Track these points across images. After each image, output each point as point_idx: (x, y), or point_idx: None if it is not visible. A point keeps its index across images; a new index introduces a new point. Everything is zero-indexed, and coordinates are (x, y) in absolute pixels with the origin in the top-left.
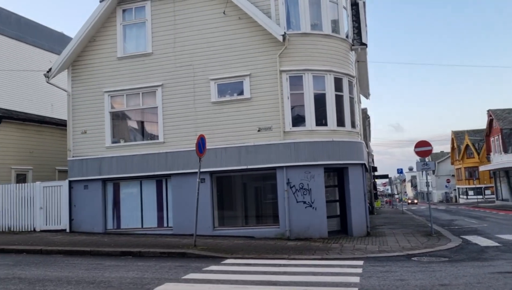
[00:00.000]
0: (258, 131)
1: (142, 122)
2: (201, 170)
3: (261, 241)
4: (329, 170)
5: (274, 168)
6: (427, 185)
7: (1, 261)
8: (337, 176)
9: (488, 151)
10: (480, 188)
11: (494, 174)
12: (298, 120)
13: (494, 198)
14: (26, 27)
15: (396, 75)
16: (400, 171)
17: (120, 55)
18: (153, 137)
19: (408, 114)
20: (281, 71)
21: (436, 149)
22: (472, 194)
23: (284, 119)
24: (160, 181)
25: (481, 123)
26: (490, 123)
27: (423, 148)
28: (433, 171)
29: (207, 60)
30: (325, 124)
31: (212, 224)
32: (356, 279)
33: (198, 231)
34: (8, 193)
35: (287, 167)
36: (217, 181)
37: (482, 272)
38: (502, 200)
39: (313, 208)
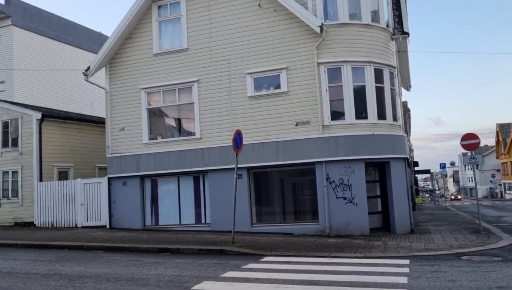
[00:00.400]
0: (296, 125)
1: (179, 118)
2: (238, 166)
3: (300, 238)
4: (370, 164)
5: (313, 163)
6: (474, 180)
7: (44, 257)
8: (378, 171)
9: None
10: None
11: None
12: (337, 113)
13: None
14: (66, 27)
15: (436, 66)
16: (443, 166)
17: (156, 52)
18: (190, 133)
19: (449, 107)
20: (319, 63)
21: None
22: None
23: (322, 112)
24: (197, 177)
25: None
26: None
27: (470, 141)
28: (477, 166)
29: (243, 54)
30: (365, 117)
31: (250, 221)
32: (404, 280)
33: (235, 227)
34: (51, 190)
35: (326, 162)
36: (255, 177)
37: None
38: None
39: (353, 204)
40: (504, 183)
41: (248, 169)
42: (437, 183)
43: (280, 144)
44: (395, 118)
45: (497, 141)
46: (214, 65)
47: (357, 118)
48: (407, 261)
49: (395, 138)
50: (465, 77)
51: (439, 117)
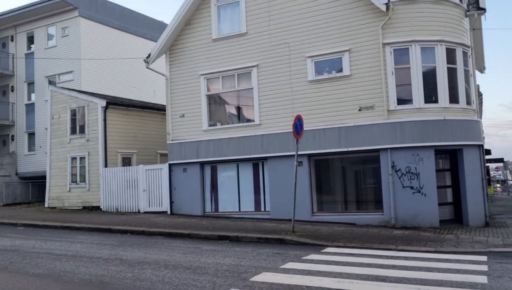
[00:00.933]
0: (359, 110)
1: (238, 104)
2: (299, 152)
3: (363, 228)
4: (440, 152)
5: (377, 150)
6: None
7: (107, 241)
8: (449, 159)
9: None
10: None
11: None
12: (404, 97)
13: None
14: (129, 17)
15: (509, 46)
16: None
17: (215, 37)
18: (249, 119)
19: None
20: (384, 44)
21: None
22: None
23: (388, 97)
24: (256, 164)
25: None
26: None
27: None
28: None
29: (303, 36)
30: (436, 101)
31: (311, 209)
32: (483, 279)
33: (296, 216)
34: (115, 175)
35: (391, 149)
36: (315, 164)
37: None
38: None
39: (422, 194)
40: None
41: (309, 156)
42: (510, 173)
43: (343, 130)
44: (468, 101)
45: None
46: (274, 49)
47: (426, 102)
48: (484, 258)
49: (469, 123)
50: None
51: None
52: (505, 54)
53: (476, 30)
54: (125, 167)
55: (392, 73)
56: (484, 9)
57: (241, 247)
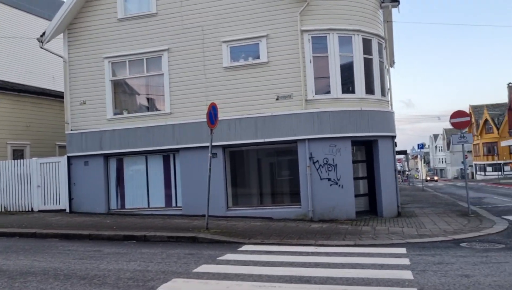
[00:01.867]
0: (277, 99)
1: (147, 92)
2: (213, 143)
3: (281, 222)
4: (356, 143)
5: (295, 141)
6: (464, 162)
7: None
8: (365, 150)
9: (511, 125)
10: (499, 164)
11: None
12: (322, 87)
13: None
14: None
15: (412, 45)
16: (420, 146)
17: (120, 16)
18: (159, 108)
19: (421, 89)
20: (303, 31)
21: (449, 125)
22: (491, 170)
23: (306, 86)
24: (167, 156)
25: (501, 97)
26: None
27: (459, 118)
28: (448, 147)
29: (218, 20)
30: (353, 92)
31: (226, 204)
32: (409, 275)
33: (210, 211)
34: (4, 170)
35: (309, 139)
36: (231, 155)
37: None
38: None
39: (339, 186)
40: (475, 164)
41: (224, 147)
42: (408, 164)
43: (259, 120)
44: (383, 93)
45: (470, 123)
46: (186, 33)
47: (343, 92)
48: (403, 250)
49: (384, 115)
50: (438, 58)
51: (410, 99)
52: (408, 51)
53: (387, 24)
54: (16, 160)
55: (311, 62)
56: (398, 1)
57: (149, 248)
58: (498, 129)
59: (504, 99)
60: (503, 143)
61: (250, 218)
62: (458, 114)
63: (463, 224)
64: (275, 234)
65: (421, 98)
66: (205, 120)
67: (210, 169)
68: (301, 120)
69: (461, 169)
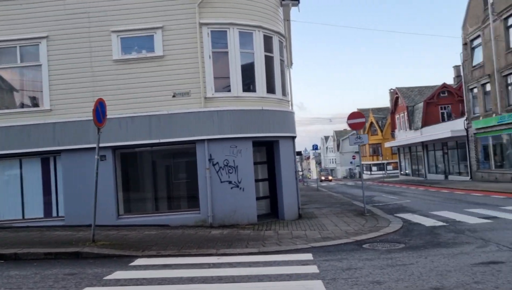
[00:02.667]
0: (173, 96)
1: (22, 85)
2: (101, 144)
3: (179, 230)
4: (257, 144)
5: (193, 142)
6: (360, 163)
7: None
8: (266, 151)
9: (393, 128)
10: (383, 164)
11: (398, 150)
12: (222, 84)
13: (396, 173)
14: None
15: (303, 48)
16: (315, 147)
17: None
18: (37, 103)
19: (312, 92)
20: (201, 24)
21: (339, 127)
22: (376, 169)
23: (205, 82)
24: (46, 159)
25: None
26: (395, 100)
27: (356, 120)
28: (338, 148)
29: (107, 7)
30: (254, 90)
31: (116, 212)
32: (320, 285)
33: (98, 220)
34: None
35: (209, 140)
36: (122, 158)
37: (463, 264)
38: (406, 175)
39: (240, 188)
40: (362, 164)
41: (114, 148)
42: (301, 165)
43: (154, 118)
44: (284, 92)
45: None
46: (69, 19)
47: (244, 90)
48: (310, 256)
49: (285, 115)
50: (329, 61)
51: (303, 103)
52: (303, 54)
53: (287, 22)
54: None
55: (210, 57)
56: (298, 0)
57: (20, 269)
58: (382, 131)
59: (387, 103)
60: (387, 144)
61: (144, 227)
62: (354, 115)
63: (361, 224)
64: (172, 244)
65: (313, 101)
66: (92, 118)
67: (97, 173)
68: (200, 119)
69: (349, 169)
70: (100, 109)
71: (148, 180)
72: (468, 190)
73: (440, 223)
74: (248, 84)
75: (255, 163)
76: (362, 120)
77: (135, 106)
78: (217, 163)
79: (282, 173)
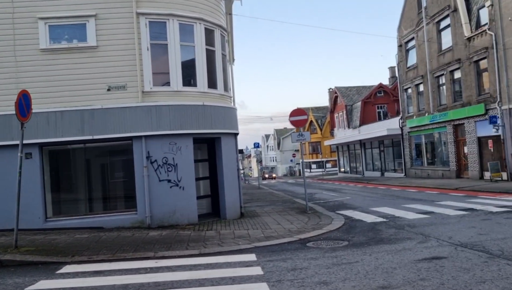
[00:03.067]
0: (108, 90)
1: None
2: (26, 141)
3: (114, 232)
4: (198, 140)
5: (130, 138)
6: (302, 161)
7: None
8: (207, 148)
9: (332, 126)
10: (322, 161)
11: (337, 148)
12: (161, 78)
13: (335, 170)
14: None
15: (244, 46)
16: (257, 145)
17: None
18: None
19: (253, 90)
20: (139, 14)
21: (280, 125)
22: (315, 167)
23: (142, 76)
24: None
25: (322, 101)
26: (335, 99)
27: (298, 117)
28: (279, 146)
29: None
30: (194, 85)
31: (44, 214)
32: (265, 288)
33: (23, 224)
34: None
35: (147, 136)
36: (51, 156)
37: (407, 261)
38: (344, 172)
39: (180, 187)
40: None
41: (41, 145)
42: (242, 163)
43: (87, 113)
44: (226, 88)
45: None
46: None
47: (184, 84)
48: (253, 256)
49: (227, 111)
50: (269, 60)
51: (244, 101)
52: (244, 51)
53: (228, 17)
54: None
55: (148, 49)
56: None
57: None
58: (321, 129)
59: (326, 102)
60: (326, 143)
61: (76, 229)
62: (296, 112)
63: (304, 221)
64: (106, 248)
65: (254, 100)
66: (14, 112)
67: (20, 173)
68: (137, 115)
69: (290, 167)
70: (24, 102)
71: (80, 180)
72: (404, 186)
73: (381, 219)
74: (189, 78)
75: (196, 161)
76: (304, 117)
77: (65, 99)
78: (156, 161)
79: (224, 171)
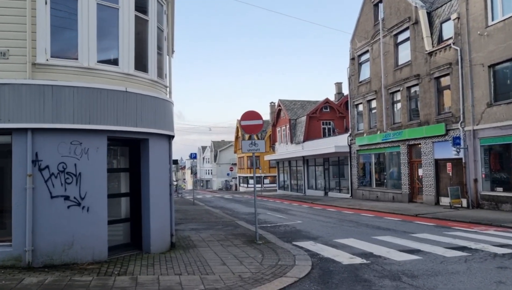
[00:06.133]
0: None
1: None
2: None
3: None
4: (116, 142)
5: (8, 131)
6: (253, 173)
7: None
8: (128, 153)
9: (274, 141)
10: (261, 177)
11: (278, 163)
12: (65, 47)
13: (274, 186)
14: None
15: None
16: (194, 156)
17: None
18: None
19: (191, 101)
20: None
21: (218, 138)
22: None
23: (35, 40)
24: None
25: (263, 115)
26: (278, 113)
27: (251, 121)
28: (215, 159)
29: None
30: (115, 63)
31: None
32: None
33: None
34: None
35: (35, 130)
36: None
37: None
38: (284, 189)
39: (83, 208)
40: (239, 177)
41: None
42: (176, 175)
43: None
44: (160, 74)
45: (236, 137)
46: None
47: (101, 61)
48: None
49: (160, 104)
50: (209, 70)
51: (181, 111)
52: (180, 64)
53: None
54: None
55: (46, 3)
56: None
57: None
58: None
59: (267, 116)
60: (266, 157)
61: None
62: (250, 115)
63: (258, 260)
64: None
65: (192, 110)
66: None
67: None
68: (22, 97)
69: (226, 181)
70: None
71: None
72: (355, 209)
73: (359, 260)
74: (107, 52)
75: (111, 170)
76: (259, 122)
77: None
78: (47, 167)
79: (150, 185)
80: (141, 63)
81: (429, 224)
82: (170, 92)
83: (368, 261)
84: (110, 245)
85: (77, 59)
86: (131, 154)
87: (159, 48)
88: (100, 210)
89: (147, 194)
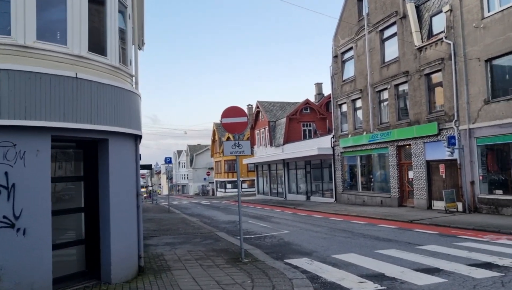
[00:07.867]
0: None
1: None
2: None
3: None
4: (65, 143)
5: None
6: (238, 180)
7: None
8: (83, 157)
9: (252, 144)
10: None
11: (256, 167)
12: None
13: (252, 191)
14: None
15: (152, 60)
16: (169, 161)
17: None
18: None
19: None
20: None
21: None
22: (231, 187)
23: None
24: None
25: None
26: (256, 115)
27: (234, 119)
28: (191, 163)
29: None
30: (63, 42)
31: None
32: None
33: None
34: None
35: None
36: None
37: None
38: (264, 194)
39: (17, 230)
40: (216, 181)
41: None
42: (151, 180)
43: None
44: (124, 60)
45: (213, 140)
46: None
47: (42, 37)
48: None
49: (123, 96)
50: (185, 73)
51: (156, 115)
52: (155, 62)
53: None
54: None
55: None
56: None
57: None
58: None
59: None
60: (244, 161)
61: None
62: (232, 111)
63: (248, 288)
64: None
65: (166, 114)
66: None
67: None
68: None
69: (202, 185)
70: None
71: None
72: (344, 215)
73: (372, 286)
74: (52, 27)
75: (58, 179)
76: (244, 120)
77: None
78: None
79: (111, 197)
80: (97, 44)
81: (431, 232)
82: (136, 83)
83: (383, 287)
84: (57, 275)
85: (9, 35)
86: (87, 159)
87: (122, 29)
88: (42, 231)
89: (106, 208)
